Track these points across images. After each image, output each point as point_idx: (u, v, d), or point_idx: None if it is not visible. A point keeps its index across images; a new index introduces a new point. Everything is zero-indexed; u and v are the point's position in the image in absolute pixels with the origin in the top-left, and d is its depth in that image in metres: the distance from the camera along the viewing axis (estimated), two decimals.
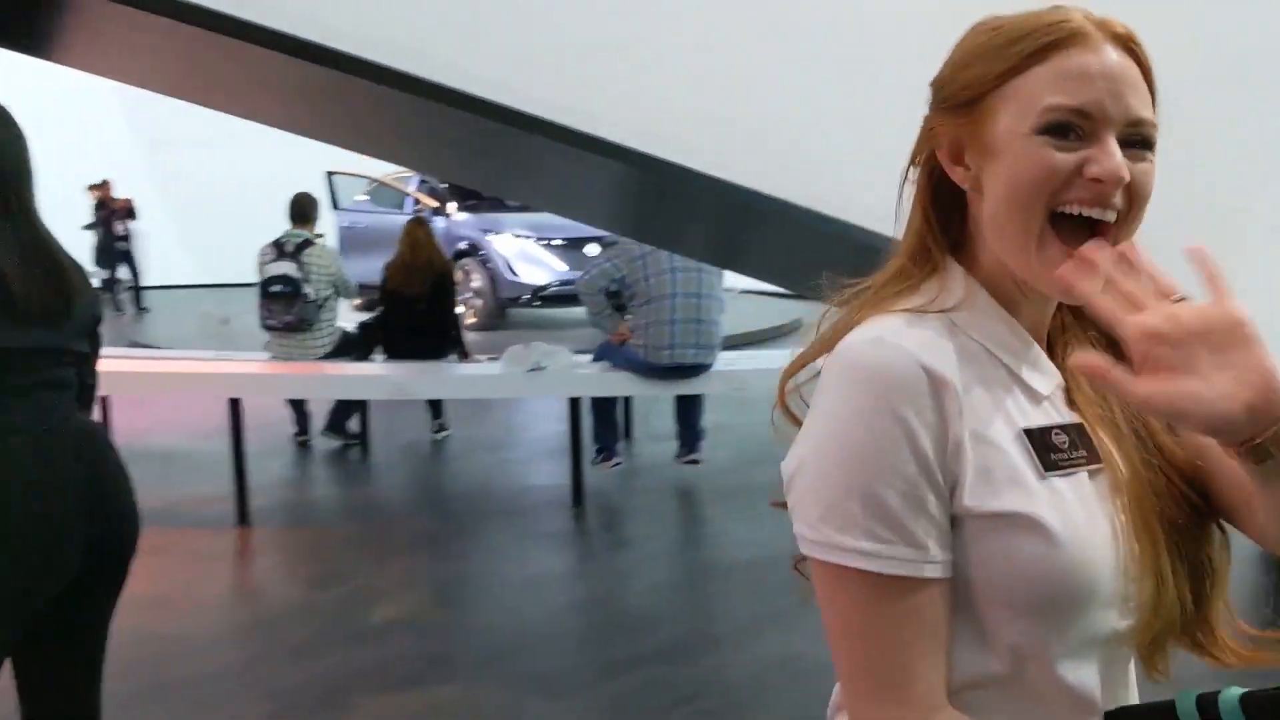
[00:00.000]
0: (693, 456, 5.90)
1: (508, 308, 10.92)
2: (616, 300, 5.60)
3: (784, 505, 0.92)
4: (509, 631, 4.02)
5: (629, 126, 2.29)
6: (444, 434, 6.97)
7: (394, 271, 6.61)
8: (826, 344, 0.90)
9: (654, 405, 6.71)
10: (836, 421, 0.84)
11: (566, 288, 10.74)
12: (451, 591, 4.53)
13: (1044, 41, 0.84)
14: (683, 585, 4.68)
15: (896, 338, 0.84)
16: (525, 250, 11.11)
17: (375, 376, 5.93)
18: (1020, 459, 0.85)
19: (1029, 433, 0.86)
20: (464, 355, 6.56)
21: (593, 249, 10.83)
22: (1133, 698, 0.92)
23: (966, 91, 0.88)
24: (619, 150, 2.28)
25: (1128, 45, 0.86)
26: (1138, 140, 0.85)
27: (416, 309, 6.45)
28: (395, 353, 6.46)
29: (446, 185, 11.84)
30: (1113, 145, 0.83)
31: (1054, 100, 0.83)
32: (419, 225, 6.90)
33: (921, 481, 0.81)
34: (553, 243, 11.11)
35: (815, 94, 2.30)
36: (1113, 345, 0.87)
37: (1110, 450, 0.89)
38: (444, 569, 4.78)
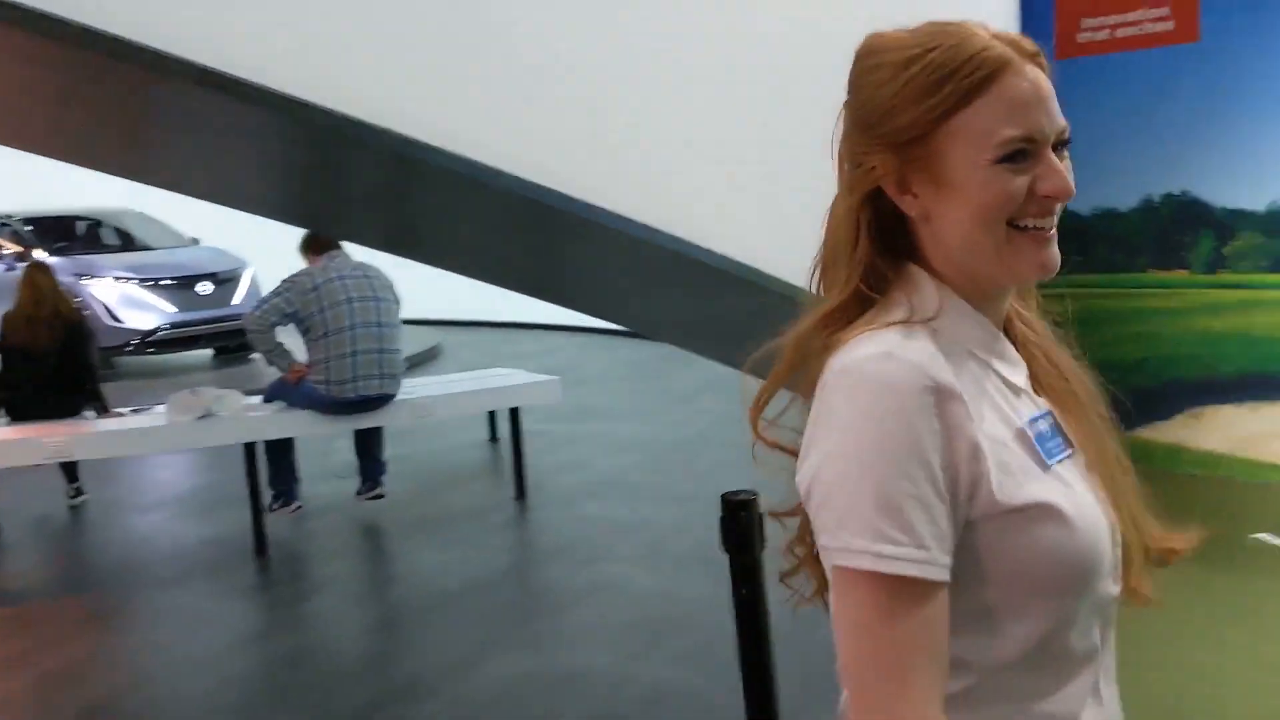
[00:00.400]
0: (376, 491, 5.81)
1: (114, 356, 9.98)
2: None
3: (781, 516, 1.02)
4: (221, 702, 3.75)
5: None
6: (81, 498, 6.28)
7: (14, 325, 5.91)
8: (794, 367, 0.97)
9: (330, 441, 6.49)
10: (852, 433, 0.89)
11: (181, 330, 10.12)
12: (146, 666, 4.14)
13: (979, 76, 0.91)
14: (389, 624, 4.61)
15: (903, 352, 0.90)
16: (128, 294, 10.34)
17: (26, 440, 5.24)
18: (1026, 453, 0.94)
19: (1032, 423, 0.97)
20: (104, 410, 5.95)
21: (205, 287, 10.36)
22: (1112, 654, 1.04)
23: (911, 130, 0.93)
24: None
25: (1039, 60, 0.95)
26: (1063, 144, 0.96)
27: (46, 364, 5.76)
28: (21, 414, 5.73)
29: (31, 228, 10.78)
30: (1055, 161, 0.93)
31: (1009, 132, 0.91)
32: (40, 272, 6.30)
33: (930, 490, 0.87)
34: (159, 283, 10.45)
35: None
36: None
37: (1078, 431, 1.00)
38: (130, 643, 4.36)
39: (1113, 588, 0.98)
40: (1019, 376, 1.00)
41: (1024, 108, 0.92)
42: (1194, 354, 4.66)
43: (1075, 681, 0.96)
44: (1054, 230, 0.96)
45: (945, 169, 0.94)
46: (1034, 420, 0.97)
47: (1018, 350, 1.03)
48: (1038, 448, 0.95)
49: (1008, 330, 1.03)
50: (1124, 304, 4.79)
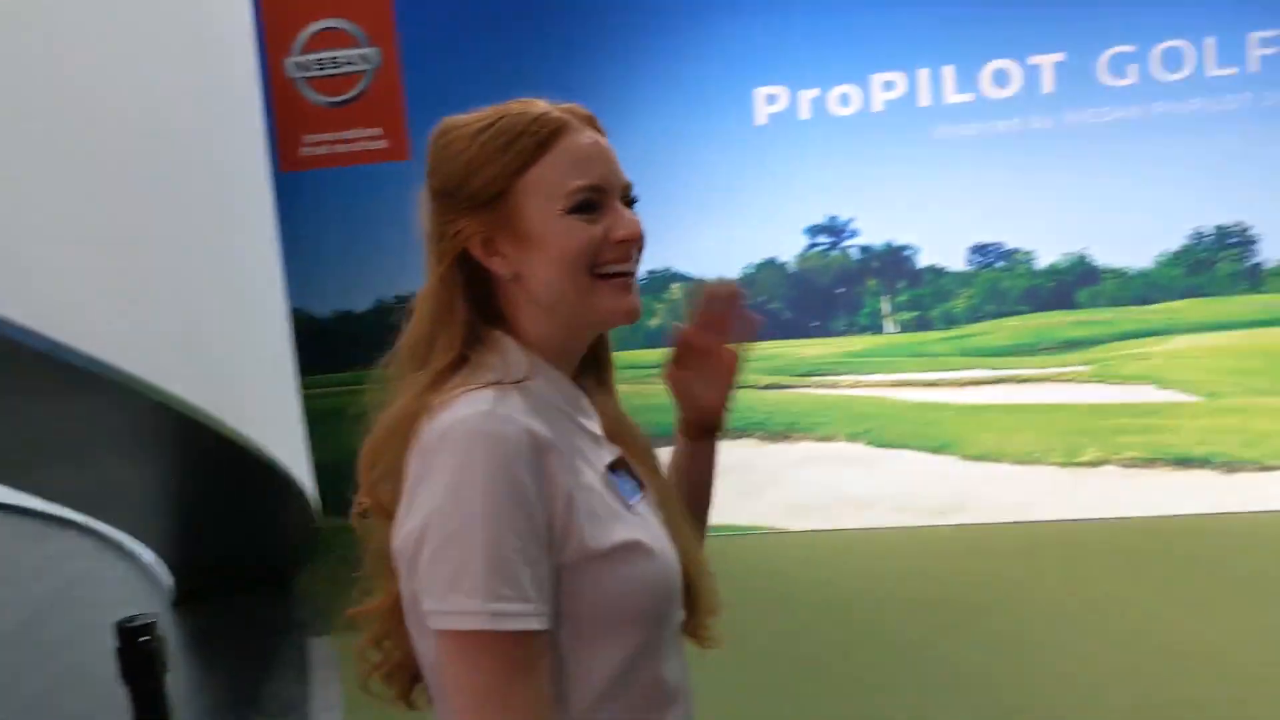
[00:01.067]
0: None
1: None
2: None
3: (363, 613, 1.05)
4: None
5: None
6: None
7: None
8: (399, 428, 0.98)
9: None
10: (458, 491, 0.90)
11: None
12: None
13: (542, 134, 1.01)
14: None
15: (503, 409, 0.94)
16: None
17: None
18: (612, 497, 1.01)
19: (611, 470, 1.04)
20: None
21: None
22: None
23: (488, 189, 1.01)
24: None
25: (596, 125, 1.06)
26: (631, 200, 1.05)
27: None
28: None
29: None
30: (623, 210, 1.03)
31: (577, 182, 1.00)
32: None
33: (534, 542, 0.91)
34: None
35: None
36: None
37: (643, 473, 1.09)
38: None
39: (680, 615, 1.06)
40: (596, 426, 1.08)
41: (588, 161, 1.02)
42: None
43: (671, 711, 1.03)
44: (634, 278, 1.04)
45: (525, 224, 1.01)
46: (613, 465, 1.05)
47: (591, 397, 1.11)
48: (619, 490, 1.02)
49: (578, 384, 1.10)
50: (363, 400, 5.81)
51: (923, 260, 5.28)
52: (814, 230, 5.33)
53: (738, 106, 5.28)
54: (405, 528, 0.94)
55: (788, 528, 5.25)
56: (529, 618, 0.91)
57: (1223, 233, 5.02)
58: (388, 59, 5.44)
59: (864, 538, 5.10)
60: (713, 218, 5.34)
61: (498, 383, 0.98)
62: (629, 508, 1.02)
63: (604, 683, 0.98)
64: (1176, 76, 4.95)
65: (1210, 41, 4.92)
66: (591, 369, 1.12)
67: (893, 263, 5.30)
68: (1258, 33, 4.88)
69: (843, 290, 5.37)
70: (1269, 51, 4.88)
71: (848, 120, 5.21)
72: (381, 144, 5.49)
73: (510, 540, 0.90)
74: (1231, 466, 5.00)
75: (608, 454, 1.06)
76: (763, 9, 5.21)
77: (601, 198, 1.02)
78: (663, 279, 5.33)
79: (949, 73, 5.11)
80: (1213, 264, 5.04)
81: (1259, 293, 5.05)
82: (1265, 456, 4.96)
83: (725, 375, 1.22)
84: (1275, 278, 5.03)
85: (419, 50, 5.43)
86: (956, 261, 5.26)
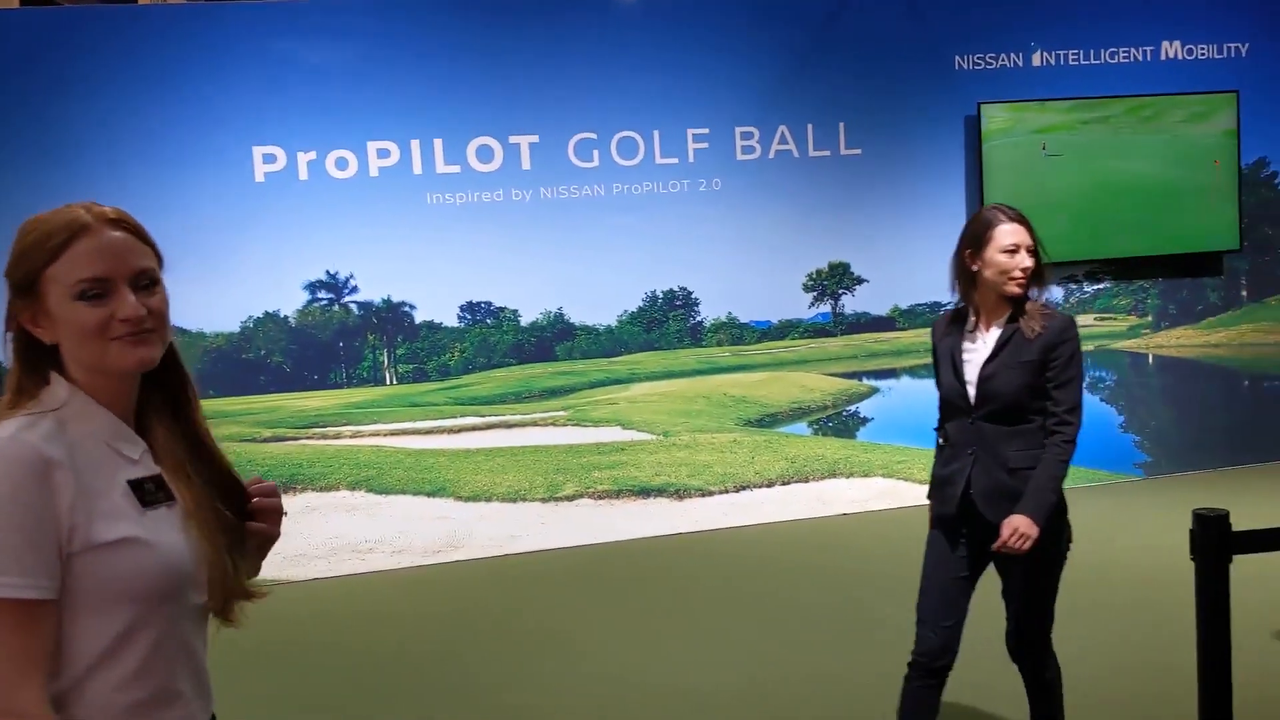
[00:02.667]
0: None
1: None
2: None
3: None
4: None
5: None
6: None
7: None
8: None
9: None
10: None
11: None
12: None
13: (64, 236, 1.32)
14: None
15: (23, 434, 1.28)
16: None
17: None
18: (127, 502, 1.34)
19: (131, 483, 1.35)
20: None
21: None
22: (205, 647, 1.46)
23: (26, 279, 1.33)
24: None
25: (119, 224, 1.36)
26: (145, 283, 1.36)
27: None
28: None
29: None
30: (126, 293, 1.33)
31: (80, 275, 1.31)
32: None
33: (37, 533, 1.24)
34: None
35: None
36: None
37: (181, 491, 1.41)
38: None
39: (197, 599, 1.40)
40: (135, 451, 1.39)
41: (94, 256, 1.32)
42: None
43: (169, 670, 1.37)
44: (149, 334, 1.35)
45: (50, 307, 1.33)
46: (140, 480, 1.37)
47: (147, 432, 1.42)
48: (135, 499, 1.34)
49: (141, 421, 1.42)
50: None
51: (420, 316, 5.75)
52: (314, 286, 5.61)
53: (237, 164, 5.42)
54: None
55: (292, 577, 5.43)
56: (18, 588, 1.23)
57: (670, 296, 6.01)
58: None
59: (362, 582, 5.42)
60: (214, 271, 5.41)
61: (33, 414, 1.31)
62: (141, 513, 1.34)
63: (98, 652, 1.30)
64: (631, 162, 5.86)
65: (657, 134, 5.87)
66: (169, 405, 1.46)
67: (391, 318, 5.71)
68: (693, 129, 5.91)
69: (343, 344, 5.68)
70: (701, 146, 5.92)
71: (346, 183, 5.56)
72: None
73: (19, 530, 1.23)
74: (681, 494, 5.96)
75: (140, 471, 1.37)
76: (260, 73, 5.41)
77: (107, 286, 1.32)
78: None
79: (439, 145, 5.63)
80: (664, 322, 6.01)
81: (700, 346, 6.11)
82: (707, 484, 5.98)
83: (272, 518, 1.59)
84: (712, 333, 6.11)
85: None
86: (450, 318, 5.79)
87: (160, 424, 1.44)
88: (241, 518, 1.50)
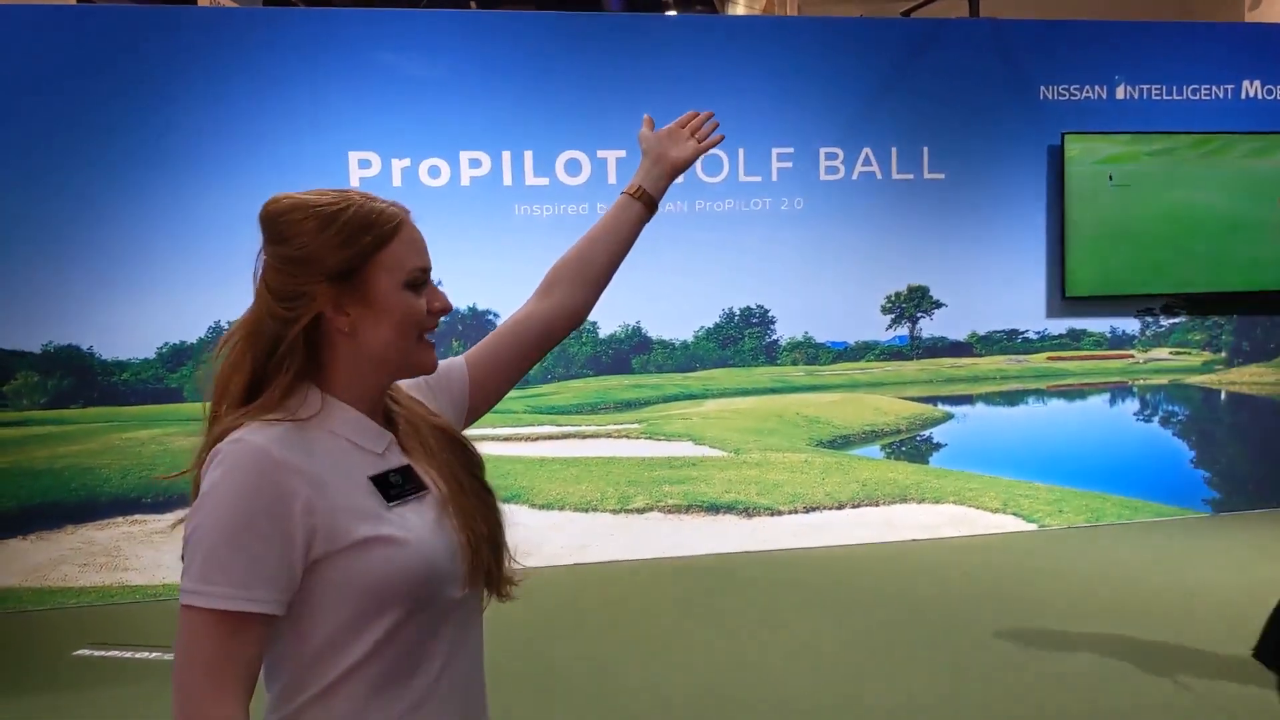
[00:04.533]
0: None
1: None
2: None
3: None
4: None
5: None
6: None
7: None
8: (212, 443, 1.27)
9: None
10: (215, 498, 1.20)
11: None
12: None
13: (390, 226, 1.33)
14: None
15: (252, 436, 1.23)
16: None
17: None
18: (371, 499, 1.30)
19: (373, 479, 1.31)
20: None
21: None
22: (478, 643, 1.44)
23: (345, 264, 1.30)
24: None
25: (413, 221, 1.40)
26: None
27: None
28: None
29: None
30: (438, 289, 1.41)
31: (414, 264, 1.35)
32: None
33: (260, 541, 1.19)
34: None
35: None
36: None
37: (432, 478, 1.39)
38: None
39: (456, 594, 1.35)
40: (381, 444, 1.36)
41: (420, 248, 1.38)
42: None
43: (422, 671, 1.32)
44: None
45: (374, 294, 1.32)
46: (385, 474, 1.34)
47: (391, 424, 1.41)
48: (379, 493, 1.30)
49: (388, 415, 1.42)
50: None
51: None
52: None
53: (333, 168, 5.59)
54: (188, 524, 1.24)
55: None
56: (230, 600, 1.19)
57: (747, 313, 6.13)
58: None
59: None
60: None
61: (273, 419, 1.27)
62: (387, 508, 1.30)
63: (351, 662, 1.26)
64: (715, 179, 5.99)
65: (741, 152, 6.00)
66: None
67: (475, 326, 5.85)
68: (777, 148, 6.03)
69: None
70: (785, 165, 6.04)
71: (437, 191, 5.72)
72: None
73: (235, 539, 1.18)
74: (750, 512, 6.06)
75: (385, 464, 1.34)
76: (359, 80, 5.58)
77: (426, 276, 1.37)
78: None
79: (529, 157, 5.79)
80: (740, 339, 6.13)
81: (775, 364, 6.22)
82: (777, 503, 6.09)
83: (692, 145, 1.77)
84: (787, 352, 6.22)
85: None
86: None
87: (399, 413, 1.44)
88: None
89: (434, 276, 1.41)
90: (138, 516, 5.55)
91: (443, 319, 1.42)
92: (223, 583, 1.18)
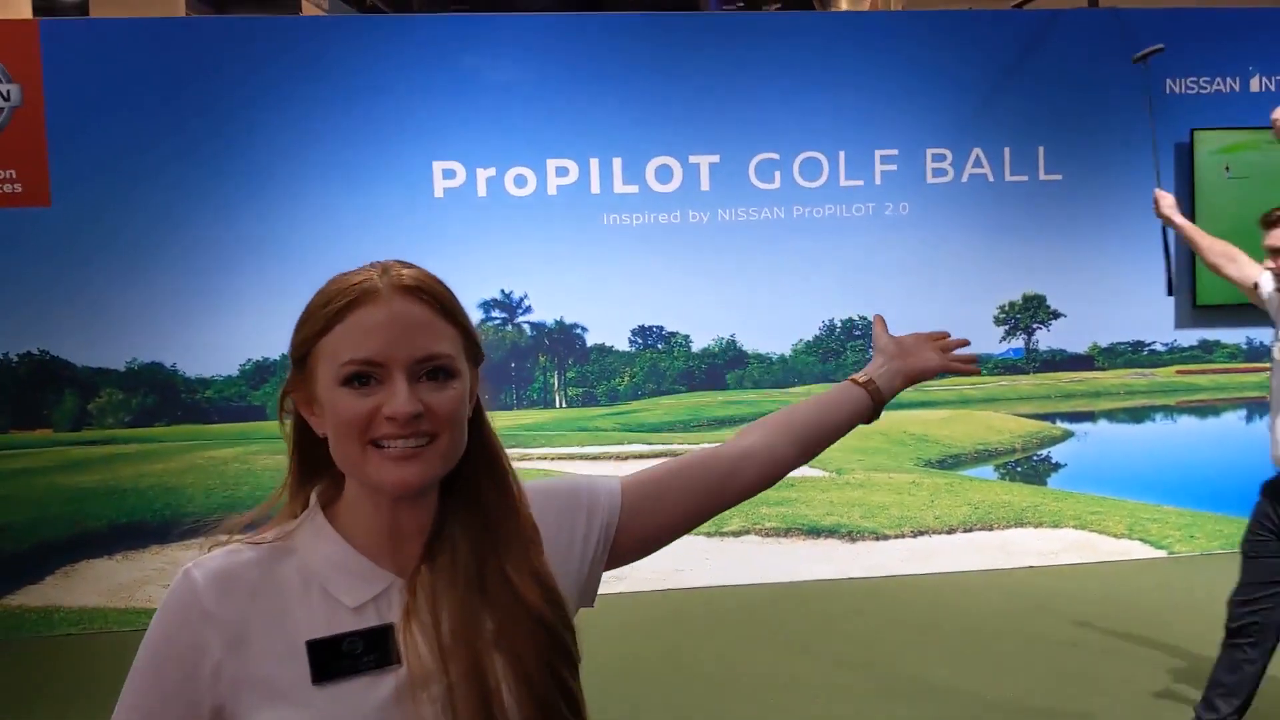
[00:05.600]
0: None
1: None
2: None
3: None
4: None
5: None
6: None
7: None
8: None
9: None
10: (149, 631, 1.04)
11: None
12: None
13: (342, 304, 1.03)
14: None
15: (200, 570, 1.04)
16: None
17: None
18: (294, 671, 1.01)
19: (315, 645, 1.01)
20: None
21: None
22: None
23: (298, 351, 1.07)
24: None
25: (416, 292, 1.05)
26: (435, 371, 1.04)
27: None
28: None
29: None
30: (400, 386, 1.02)
31: (347, 355, 1.02)
32: None
33: (162, 700, 1.01)
34: None
35: None
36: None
37: (411, 651, 1.03)
38: None
39: None
40: (367, 593, 1.06)
41: (368, 333, 1.02)
42: (61, 512, 5.43)
43: None
44: (421, 449, 1.02)
45: (317, 390, 1.06)
46: (337, 639, 1.03)
47: (428, 557, 1.08)
48: (312, 665, 1.01)
49: (437, 545, 1.09)
50: None
51: (591, 339, 5.70)
52: (488, 305, 5.62)
53: (417, 179, 5.46)
54: None
55: None
56: None
57: (849, 325, 5.84)
58: (30, 98, 5.15)
59: None
60: None
61: (267, 540, 1.07)
62: (310, 688, 1.01)
63: None
64: (814, 184, 5.73)
65: (842, 155, 5.71)
66: (474, 525, 1.10)
67: (563, 340, 5.67)
68: (880, 150, 5.73)
69: (514, 365, 5.66)
70: (889, 168, 5.74)
71: (523, 200, 5.55)
72: (17, 187, 5.19)
73: (137, 698, 1.02)
74: (853, 536, 5.75)
75: (352, 623, 1.04)
76: (443, 88, 5.45)
77: (379, 371, 1.02)
78: None
79: (618, 164, 5.58)
80: (841, 353, 5.85)
81: None
82: (881, 527, 5.77)
83: (939, 359, 1.50)
84: None
85: (64, 92, 5.20)
86: (621, 341, 5.73)
87: (451, 549, 1.09)
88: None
89: (422, 367, 1.06)
90: (222, 537, 5.48)
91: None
92: None
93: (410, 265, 1.09)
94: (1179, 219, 4.05)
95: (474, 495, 1.11)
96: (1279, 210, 3.56)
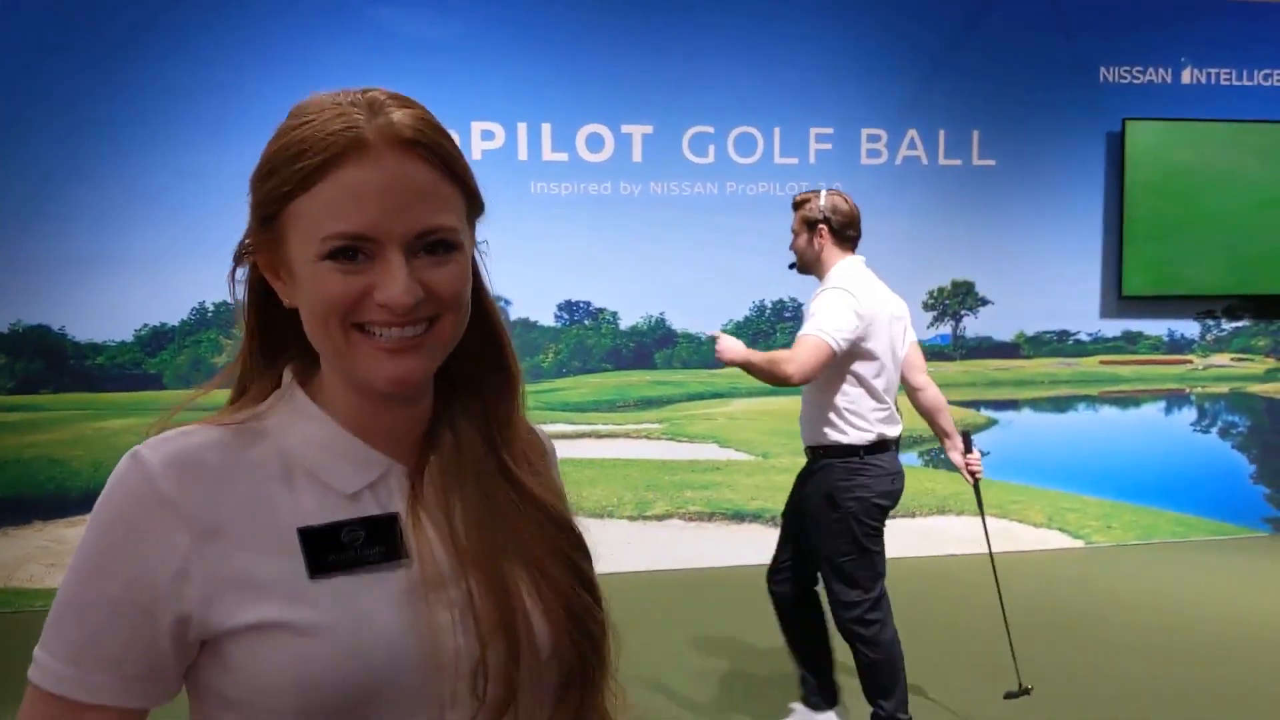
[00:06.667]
0: None
1: None
2: None
3: None
4: None
5: None
6: None
7: None
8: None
9: None
10: (83, 536, 0.86)
11: None
12: None
13: (322, 157, 0.83)
14: None
15: (152, 450, 0.86)
16: None
17: None
18: (288, 564, 0.85)
19: (307, 533, 0.86)
20: None
21: None
22: None
23: (264, 209, 0.88)
24: None
25: (415, 146, 0.85)
26: (435, 245, 0.86)
27: None
28: None
29: None
30: (396, 267, 0.84)
31: (332, 228, 0.83)
32: None
33: (108, 609, 0.83)
34: None
35: None
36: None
37: (423, 546, 0.90)
38: None
39: (433, 716, 0.87)
40: (365, 478, 0.91)
41: (358, 201, 0.83)
42: None
43: None
44: (419, 337, 0.87)
45: (289, 258, 0.88)
46: (335, 526, 0.87)
47: (429, 448, 0.95)
48: (306, 556, 0.85)
49: (434, 433, 0.95)
50: None
51: (515, 313, 5.50)
52: None
53: None
54: None
55: None
56: (57, 680, 0.83)
57: (780, 306, 5.74)
58: None
59: None
60: None
61: (230, 421, 0.90)
62: (306, 581, 0.85)
63: None
64: (748, 160, 5.61)
65: (778, 131, 5.60)
66: (478, 413, 0.98)
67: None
68: (816, 128, 5.62)
69: None
70: (824, 147, 5.65)
71: None
72: None
73: (83, 597, 0.84)
74: (778, 521, 5.66)
75: (349, 511, 0.89)
76: (355, 42, 5.17)
77: (369, 246, 0.84)
78: None
79: (547, 130, 5.38)
80: (771, 334, 5.74)
81: None
82: None
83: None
84: None
85: None
86: (547, 316, 5.55)
87: (453, 441, 0.95)
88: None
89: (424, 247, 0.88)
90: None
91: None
92: (58, 654, 0.84)
93: (403, 101, 0.88)
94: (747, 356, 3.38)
95: (476, 377, 0.98)
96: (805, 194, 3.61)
